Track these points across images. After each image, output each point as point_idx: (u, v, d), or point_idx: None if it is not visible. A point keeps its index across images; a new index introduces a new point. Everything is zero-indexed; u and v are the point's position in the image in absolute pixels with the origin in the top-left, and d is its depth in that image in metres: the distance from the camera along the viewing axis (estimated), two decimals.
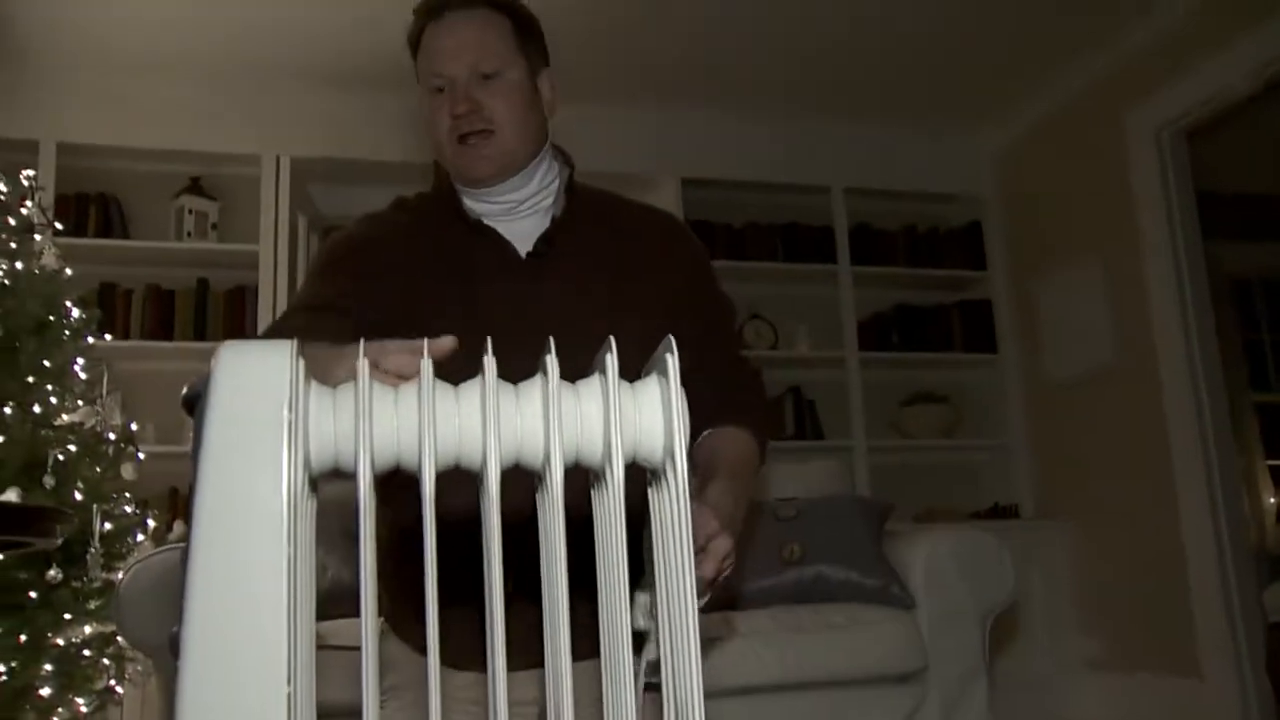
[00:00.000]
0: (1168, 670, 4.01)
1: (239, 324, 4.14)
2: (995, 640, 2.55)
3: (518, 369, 0.77)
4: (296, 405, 0.67)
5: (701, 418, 1.27)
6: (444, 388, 0.73)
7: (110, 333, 3.82)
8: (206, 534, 0.66)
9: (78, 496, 2.70)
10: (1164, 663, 4.03)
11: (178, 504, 4.00)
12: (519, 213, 1.50)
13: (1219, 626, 3.82)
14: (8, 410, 2.63)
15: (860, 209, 4.89)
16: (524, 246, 1.47)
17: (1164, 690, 4.00)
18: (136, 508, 3.04)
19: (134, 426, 3.06)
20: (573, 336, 0.96)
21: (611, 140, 4.55)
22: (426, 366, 0.71)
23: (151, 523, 2.99)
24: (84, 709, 2.75)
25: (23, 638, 2.52)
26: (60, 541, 1.99)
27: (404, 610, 1.50)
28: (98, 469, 2.87)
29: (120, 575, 2.01)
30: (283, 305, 4.08)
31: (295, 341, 0.69)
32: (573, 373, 0.77)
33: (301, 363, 0.69)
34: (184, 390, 1.28)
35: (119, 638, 2.59)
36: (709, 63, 4.24)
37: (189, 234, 4.15)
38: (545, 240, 1.46)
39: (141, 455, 3.03)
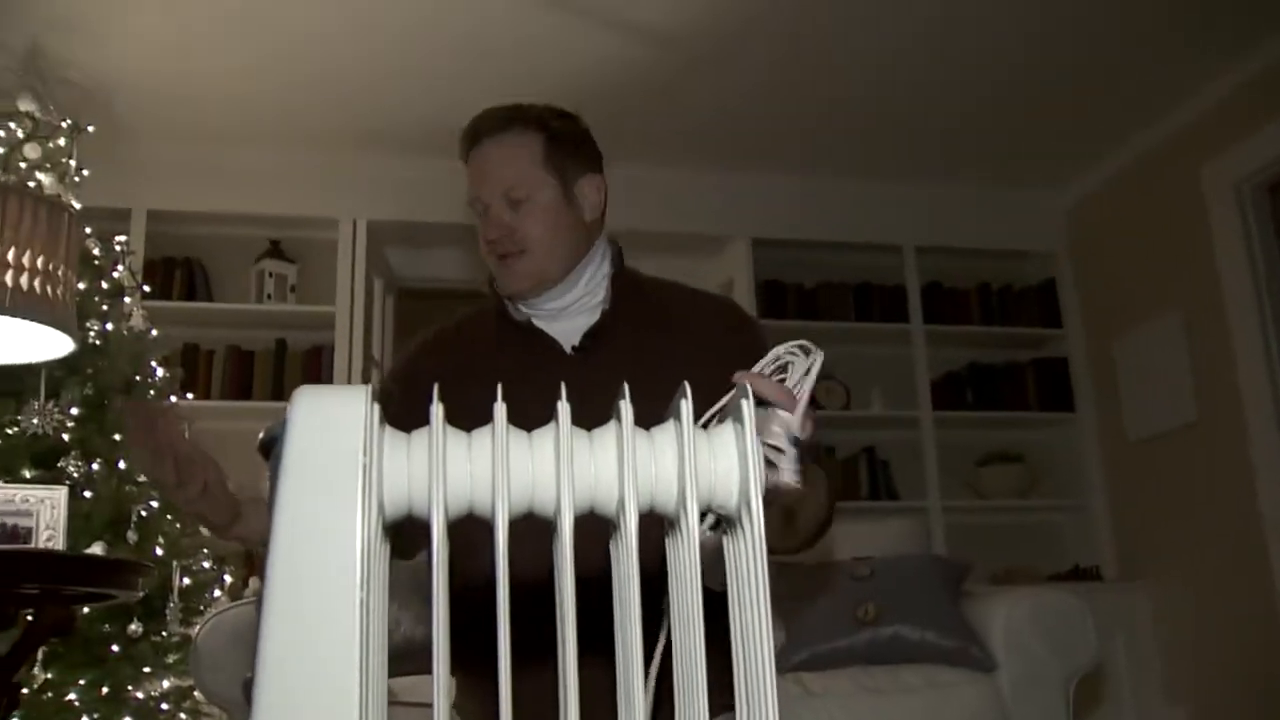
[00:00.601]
0: None
1: (315, 383, 4.21)
2: (1078, 707, 2.46)
3: None
4: (371, 449, 0.68)
5: None
6: (517, 433, 0.74)
7: (192, 392, 3.93)
8: (280, 578, 0.66)
9: (158, 552, 2.75)
10: None
11: (253, 561, 4.05)
12: (566, 314, 1.55)
13: None
14: (95, 467, 2.70)
15: (932, 267, 4.86)
16: (570, 343, 1.52)
17: None
18: (214, 564, 3.08)
19: None
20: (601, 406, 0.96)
21: (682, 201, 4.59)
22: (500, 411, 0.72)
23: (228, 578, 3.03)
24: None
25: (105, 690, 2.55)
26: (141, 595, 2.03)
27: (470, 682, 1.48)
28: (178, 525, 2.93)
29: (197, 629, 2.04)
30: (358, 365, 4.15)
31: (369, 386, 0.70)
32: None
33: (376, 408, 0.69)
34: (260, 434, 1.30)
35: (195, 692, 2.62)
36: (778, 123, 4.27)
37: (269, 296, 4.25)
38: (590, 335, 1.51)
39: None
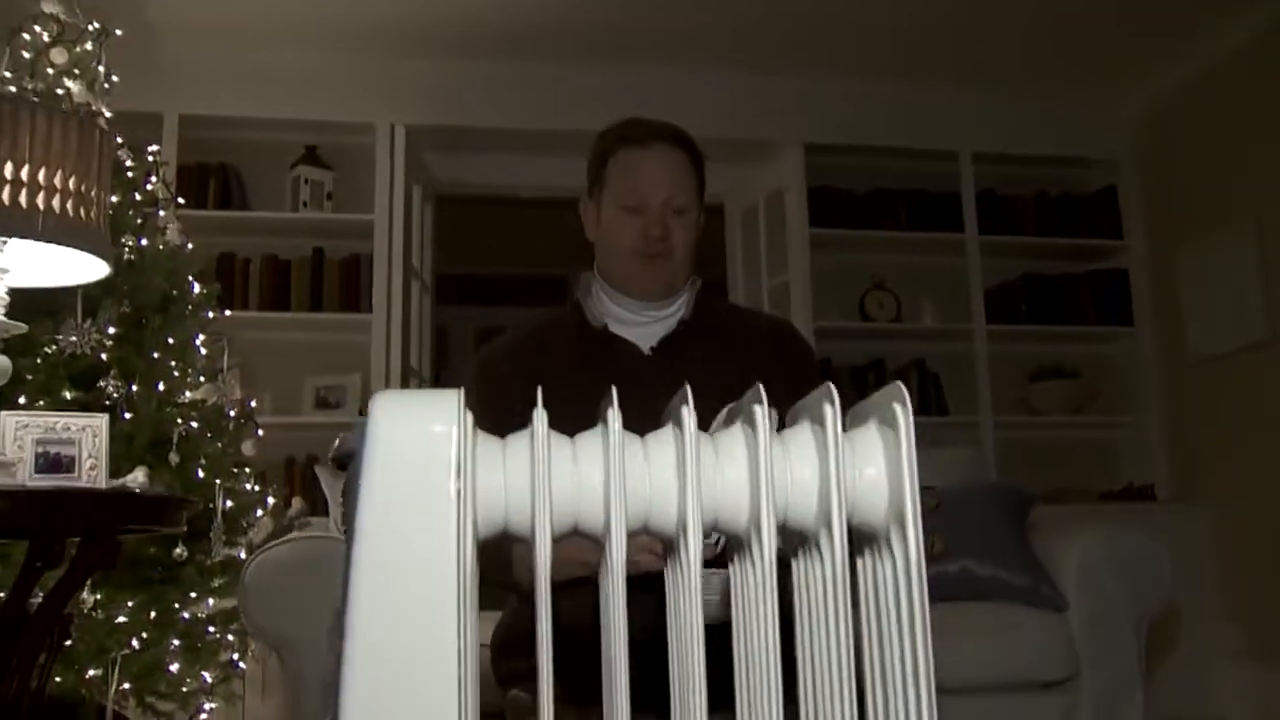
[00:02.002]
0: None
1: (353, 293, 4.13)
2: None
3: None
4: (465, 466, 0.58)
5: None
6: (630, 438, 0.63)
7: (228, 304, 3.86)
8: (364, 615, 0.57)
9: (200, 474, 2.69)
10: None
11: (294, 476, 4.02)
12: (645, 323, 1.69)
13: None
14: (134, 388, 2.63)
15: (988, 174, 4.66)
16: (649, 344, 1.69)
17: None
18: (256, 483, 3.04)
19: (253, 403, 3.06)
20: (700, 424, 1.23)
21: (733, 106, 4.41)
22: (614, 417, 0.61)
23: (271, 499, 2.98)
24: (209, 681, 2.77)
25: (152, 614, 2.53)
26: (185, 529, 1.97)
27: None
28: (219, 444, 2.87)
29: (244, 560, 1.98)
30: (398, 275, 4.05)
31: (461, 391, 0.59)
32: None
33: (469, 415, 0.59)
34: (334, 446, 1.30)
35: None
36: (832, 25, 4.05)
37: (305, 204, 4.14)
38: (669, 340, 1.66)
39: (260, 431, 3.03)
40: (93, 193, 1.92)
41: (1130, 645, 2.21)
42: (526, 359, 1.67)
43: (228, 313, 3.10)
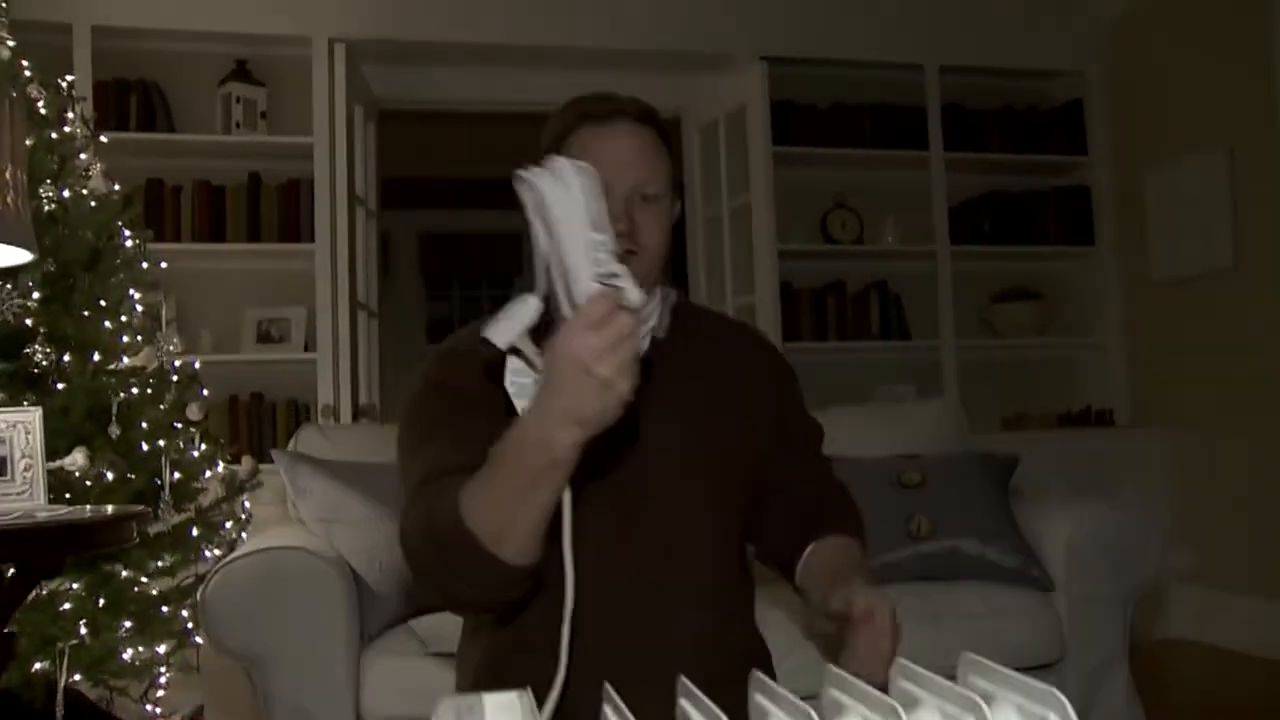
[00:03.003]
0: (1271, 592, 3.83)
1: (293, 221, 3.89)
2: None
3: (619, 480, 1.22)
4: None
5: (803, 531, 1.43)
6: None
7: (159, 236, 3.62)
8: None
9: (143, 447, 2.52)
10: (1267, 584, 3.85)
11: (238, 416, 3.85)
12: None
13: None
14: (66, 355, 2.43)
15: (954, 88, 4.51)
16: None
17: (1265, 610, 3.83)
18: (203, 442, 2.87)
19: (196, 363, 2.87)
20: (669, 449, 1.34)
21: (689, 16, 4.19)
22: None
23: (220, 465, 2.81)
24: (163, 652, 2.65)
25: (100, 601, 2.38)
26: (137, 541, 1.82)
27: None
28: (162, 407, 2.69)
29: (203, 586, 1.82)
30: (342, 201, 3.81)
31: None
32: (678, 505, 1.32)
33: None
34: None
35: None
36: None
37: (237, 125, 3.86)
38: (645, 360, 1.31)
39: (205, 391, 2.85)
40: (8, 174, 1.71)
41: (1117, 624, 2.18)
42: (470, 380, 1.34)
43: (163, 264, 2.87)
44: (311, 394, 3.79)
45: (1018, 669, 1.79)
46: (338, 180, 3.80)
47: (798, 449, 1.52)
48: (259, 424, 3.87)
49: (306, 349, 3.85)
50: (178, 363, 2.91)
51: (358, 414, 3.79)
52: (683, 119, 4.51)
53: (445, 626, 2.00)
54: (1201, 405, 4.16)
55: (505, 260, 7.92)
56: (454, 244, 7.80)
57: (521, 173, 0.99)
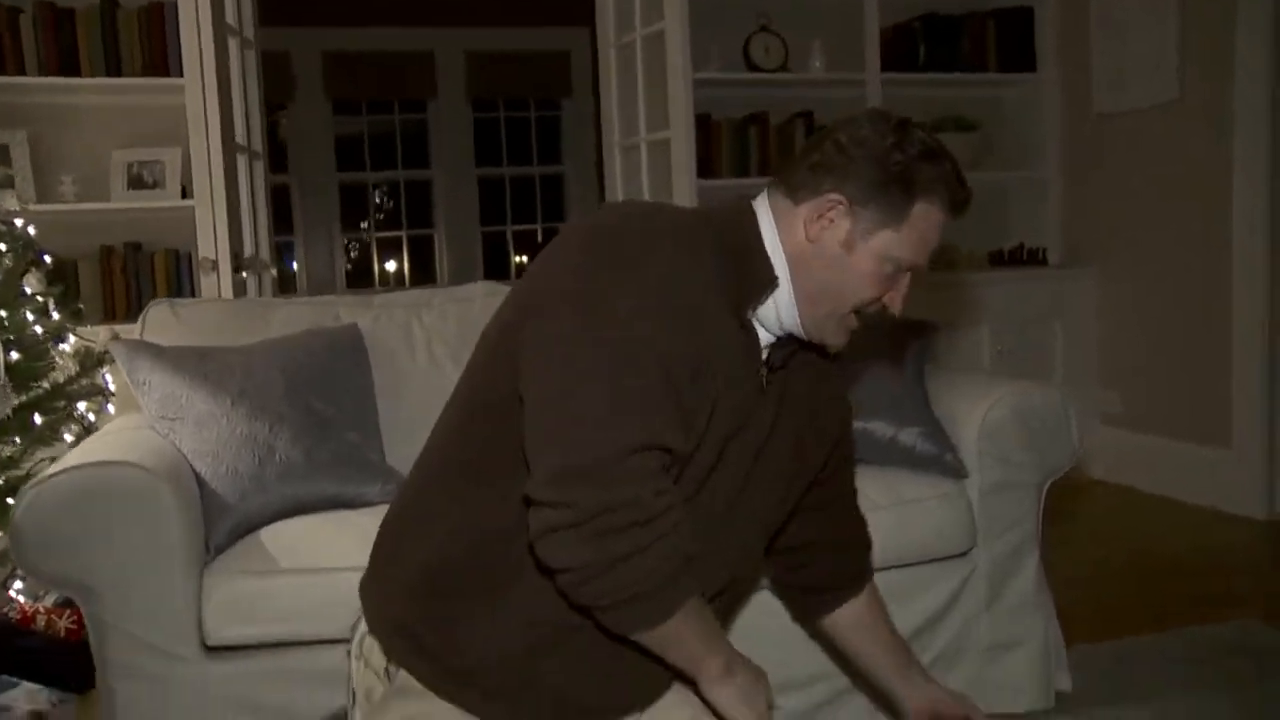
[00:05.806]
0: (1193, 435, 3.78)
1: (159, 52, 3.48)
2: None
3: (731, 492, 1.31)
4: None
5: (833, 575, 1.59)
6: None
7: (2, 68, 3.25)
8: None
9: None
10: (1190, 427, 3.80)
11: (111, 270, 3.53)
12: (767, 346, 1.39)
13: (1258, 395, 3.56)
14: None
15: None
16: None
17: (1185, 455, 3.79)
18: (55, 310, 2.59)
19: (31, 230, 2.56)
20: (776, 463, 1.38)
21: None
22: None
23: (66, 346, 2.53)
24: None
25: None
26: None
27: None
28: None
29: (15, 506, 1.60)
30: (208, 28, 3.39)
31: None
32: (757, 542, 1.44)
33: None
34: None
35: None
36: None
37: None
38: (770, 382, 1.39)
39: (47, 258, 2.56)
40: None
41: (1030, 511, 2.05)
42: (688, 342, 1.20)
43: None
44: (194, 243, 3.48)
45: (928, 559, 1.65)
46: (200, 4, 3.38)
47: (848, 464, 1.59)
48: (135, 277, 3.57)
49: (185, 195, 3.51)
50: (19, 222, 2.61)
51: (240, 267, 3.49)
52: None
53: (301, 539, 1.81)
54: (1134, 244, 4.01)
55: (418, 81, 7.45)
56: (362, 63, 7.30)
57: None
